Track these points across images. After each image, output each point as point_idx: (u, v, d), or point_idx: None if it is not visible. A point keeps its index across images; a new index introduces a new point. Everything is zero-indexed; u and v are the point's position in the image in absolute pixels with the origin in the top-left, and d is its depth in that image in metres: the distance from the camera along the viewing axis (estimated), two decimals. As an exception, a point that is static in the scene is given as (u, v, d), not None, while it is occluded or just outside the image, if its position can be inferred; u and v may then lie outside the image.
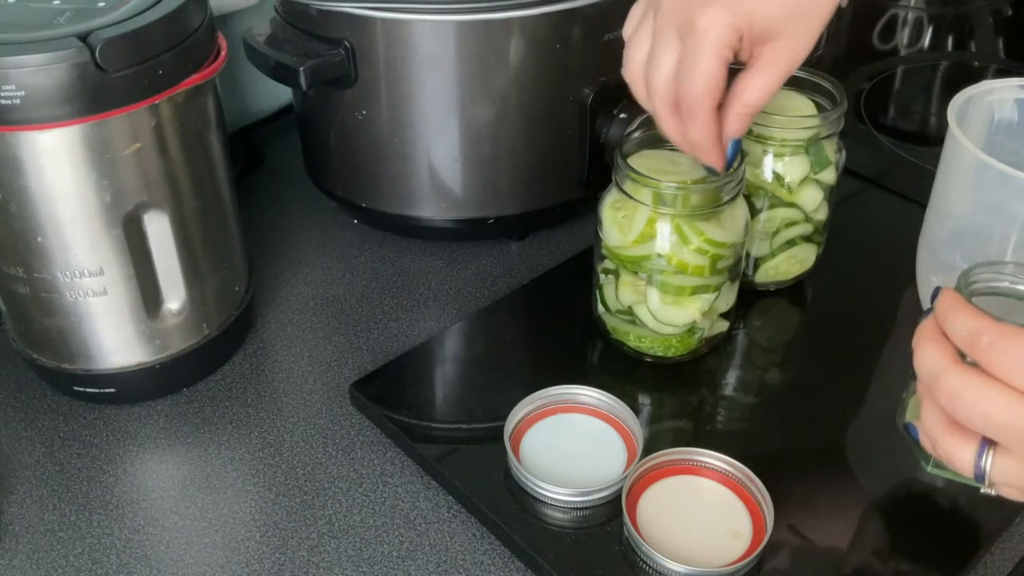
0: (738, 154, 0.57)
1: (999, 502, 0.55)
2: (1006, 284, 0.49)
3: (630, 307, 0.62)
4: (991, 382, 0.38)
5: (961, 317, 0.40)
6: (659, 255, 0.59)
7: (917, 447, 0.51)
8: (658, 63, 0.50)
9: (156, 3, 0.54)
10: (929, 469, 0.51)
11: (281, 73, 0.66)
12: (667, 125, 0.53)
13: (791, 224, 0.67)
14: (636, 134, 0.62)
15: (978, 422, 0.39)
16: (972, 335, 0.39)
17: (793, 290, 0.71)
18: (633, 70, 0.53)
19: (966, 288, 0.47)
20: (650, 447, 0.57)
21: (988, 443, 0.40)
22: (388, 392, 0.63)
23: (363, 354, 0.68)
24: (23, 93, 0.49)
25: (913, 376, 0.50)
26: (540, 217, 0.75)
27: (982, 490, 0.41)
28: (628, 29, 0.54)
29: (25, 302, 0.58)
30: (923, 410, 0.43)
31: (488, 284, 0.74)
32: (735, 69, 0.51)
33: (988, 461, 0.40)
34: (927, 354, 0.41)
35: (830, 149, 0.65)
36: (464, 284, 0.74)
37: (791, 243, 0.68)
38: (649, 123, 0.67)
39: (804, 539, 0.53)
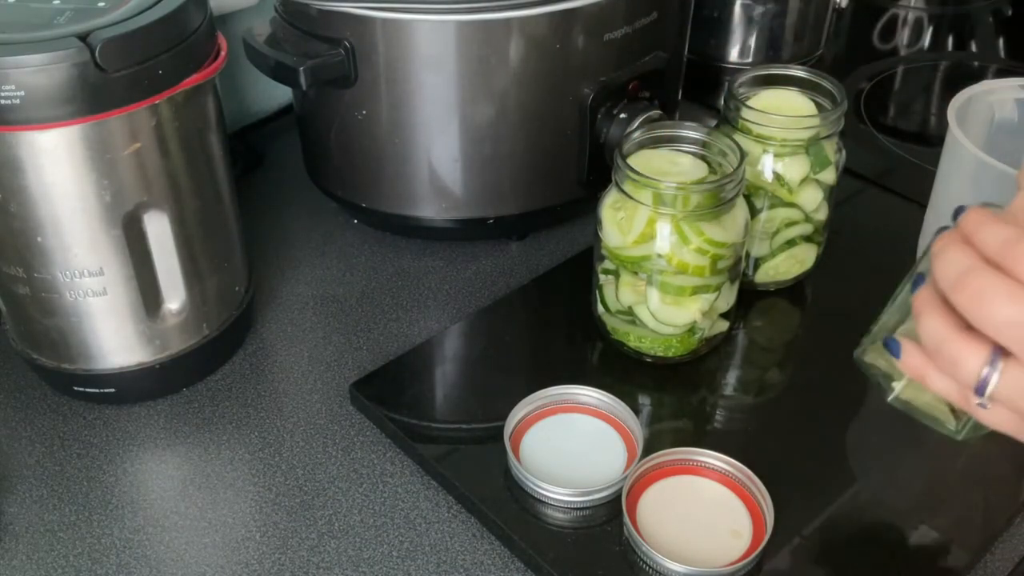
0: None
1: (999, 502, 0.55)
2: None
3: (630, 307, 0.62)
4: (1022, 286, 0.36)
5: (995, 227, 0.38)
6: (659, 255, 0.59)
7: (885, 369, 0.48)
8: None
9: (156, 3, 0.54)
10: (892, 397, 0.48)
11: (281, 73, 0.66)
12: None
13: (791, 224, 0.67)
14: (636, 134, 0.62)
15: (1003, 326, 0.37)
16: (1008, 242, 0.37)
17: (793, 290, 0.71)
18: None
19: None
20: (650, 447, 0.57)
21: (1000, 353, 0.38)
22: (388, 392, 0.63)
23: (363, 354, 0.68)
24: (23, 93, 0.49)
25: (897, 302, 0.47)
26: (540, 217, 0.75)
27: (976, 402, 0.39)
28: None
29: (25, 302, 0.58)
30: (927, 316, 0.41)
31: (488, 284, 0.74)
32: None
33: (996, 372, 0.38)
34: (952, 256, 0.39)
35: (830, 149, 0.65)
36: (464, 284, 0.74)
37: (791, 243, 0.68)
38: (649, 123, 0.68)
39: (804, 539, 0.53)
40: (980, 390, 0.39)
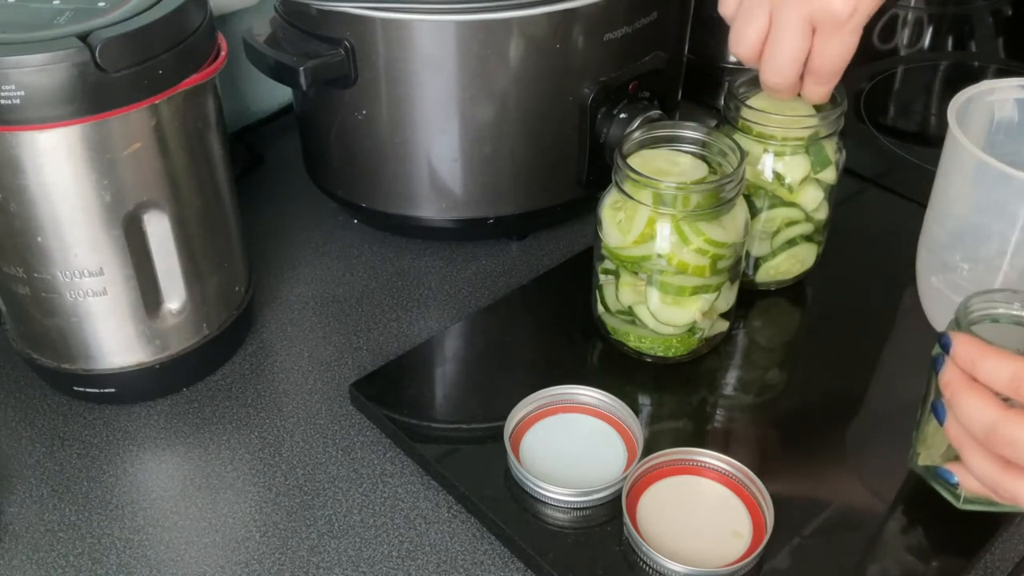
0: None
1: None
2: (1001, 310, 0.50)
3: (630, 307, 0.62)
4: None
5: (994, 362, 0.41)
6: (659, 255, 0.59)
7: (946, 487, 0.53)
8: (783, 47, 0.56)
9: (156, 3, 0.54)
10: (961, 505, 0.52)
11: (281, 73, 0.66)
12: (782, 91, 0.59)
13: (791, 224, 0.67)
14: (636, 134, 0.62)
15: None
16: (1015, 379, 0.40)
17: (793, 290, 0.71)
18: (747, 48, 0.57)
19: (965, 319, 0.48)
20: (650, 447, 0.57)
21: None
22: (388, 392, 0.63)
23: (363, 354, 0.68)
24: (23, 93, 0.49)
25: (929, 417, 0.51)
26: (540, 217, 0.75)
27: None
28: (730, 7, 0.58)
29: (25, 302, 0.58)
30: (970, 457, 0.44)
31: (488, 284, 0.74)
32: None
33: None
34: (971, 406, 0.42)
35: (830, 149, 0.65)
36: (464, 284, 0.74)
37: (791, 243, 0.68)
38: (649, 123, 0.68)
39: (804, 539, 0.53)
40: None
